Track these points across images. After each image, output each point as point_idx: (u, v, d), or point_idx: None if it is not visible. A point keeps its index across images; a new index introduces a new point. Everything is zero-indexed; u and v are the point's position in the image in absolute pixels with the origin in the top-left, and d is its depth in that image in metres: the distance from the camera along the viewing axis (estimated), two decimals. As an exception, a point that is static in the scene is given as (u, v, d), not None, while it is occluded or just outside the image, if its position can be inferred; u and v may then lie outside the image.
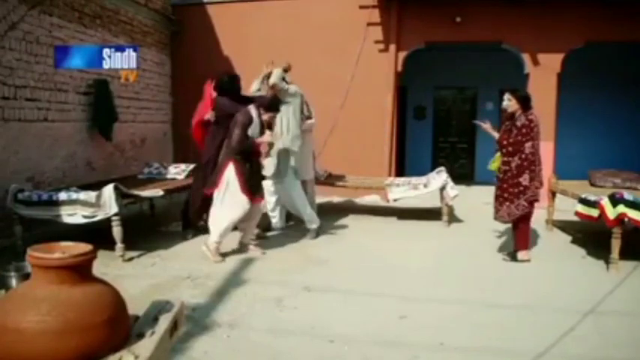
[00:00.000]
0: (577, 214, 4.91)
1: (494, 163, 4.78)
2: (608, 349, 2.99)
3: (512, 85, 5.44)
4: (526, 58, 7.62)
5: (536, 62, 7.57)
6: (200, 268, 4.39)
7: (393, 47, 7.88)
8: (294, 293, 3.81)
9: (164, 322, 1.45)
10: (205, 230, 5.61)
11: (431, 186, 6.30)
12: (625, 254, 4.46)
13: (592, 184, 5.91)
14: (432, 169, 7.32)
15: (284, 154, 5.43)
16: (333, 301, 3.71)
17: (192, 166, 6.50)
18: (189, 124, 5.79)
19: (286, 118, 5.35)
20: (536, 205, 4.78)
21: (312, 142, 6.13)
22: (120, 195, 4.57)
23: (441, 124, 11.20)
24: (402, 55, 7.92)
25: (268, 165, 5.34)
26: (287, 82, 5.48)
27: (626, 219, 4.32)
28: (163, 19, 8.43)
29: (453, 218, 6.48)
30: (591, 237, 5.40)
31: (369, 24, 7.98)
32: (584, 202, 4.81)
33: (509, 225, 4.92)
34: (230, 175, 4.61)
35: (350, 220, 6.54)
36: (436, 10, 7.72)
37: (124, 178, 6.04)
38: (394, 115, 8.05)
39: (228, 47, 8.55)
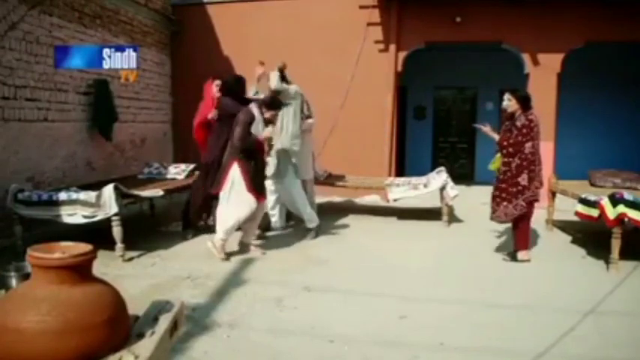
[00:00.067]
0: (577, 214, 4.91)
1: (495, 164, 4.79)
2: (608, 349, 2.99)
3: (512, 85, 5.44)
4: (526, 58, 7.62)
5: (536, 62, 7.57)
6: (200, 268, 4.39)
7: (393, 47, 7.88)
8: (294, 293, 3.81)
9: (164, 322, 1.45)
10: (205, 230, 5.64)
11: (431, 186, 6.30)
12: (625, 254, 4.46)
13: (592, 184, 5.91)
14: (432, 169, 7.32)
15: (284, 154, 5.44)
16: (333, 301, 3.71)
17: (192, 166, 6.51)
18: (189, 124, 5.80)
19: (286, 118, 5.36)
20: (536, 205, 4.78)
21: (311, 142, 6.13)
22: (120, 195, 4.57)
23: (441, 124, 11.20)
24: (402, 55, 7.92)
25: (269, 164, 5.35)
26: (287, 82, 5.48)
27: (626, 219, 4.32)
28: (163, 19, 8.44)
29: (453, 218, 6.48)
30: (591, 237, 5.40)
31: (369, 24, 7.98)
32: (584, 202, 4.81)
33: (509, 225, 4.92)
34: (235, 174, 4.63)
35: (350, 220, 6.54)
36: (436, 10, 7.72)
37: (124, 178, 6.04)
38: (394, 115, 8.05)
39: (228, 47, 8.55)
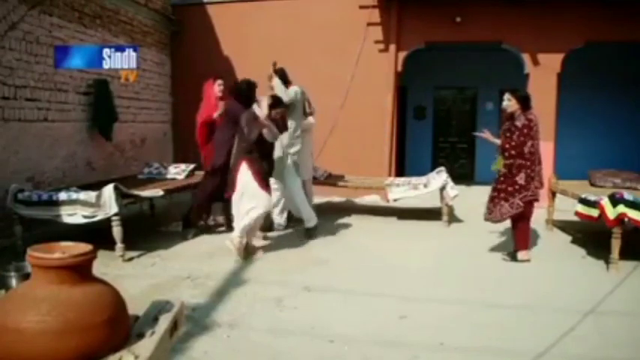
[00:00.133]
0: (577, 214, 4.91)
1: (497, 164, 4.78)
2: (608, 349, 2.99)
3: (512, 85, 5.44)
4: (526, 58, 7.62)
5: (536, 62, 7.57)
6: (200, 268, 4.39)
7: (393, 47, 7.88)
8: (294, 293, 3.81)
9: (164, 322, 1.45)
10: (205, 230, 5.65)
11: (431, 186, 6.30)
12: (625, 254, 4.46)
13: (592, 184, 5.91)
14: (432, 169, 7.32)
15: (284, 155, 5.44)
16: (333, 301, 3.71)
17: (192, 166, 6.51)
18: (189, 124, 5.81)
19: (289, 118, 5.36)
20: (536, 205, 4.78)
21: (311, 142, 6.13)
22: (120, 195, 4.57)
23: (441, 124, 11.20)
24: (402, 55, 7.92)
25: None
26: (288, 82, 5.50)
27: (626, 219, 4.32)
28: (163, 19, 8.44)
29: (453, 218, 6.48)
30: (591, 237, 5.40)
31: (369, 24, 7.98)
32: (584, 202, 4.81)
33: (509, 225, 4.92)
34: (245, 174, 4.67)
35: (350, 220, 6.54)
36: (436, 10, 7.72)
37: (124, 178, 6.04)
38: (394, 115, 8.05)
39: (228, 47, 8.55)
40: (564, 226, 6.04)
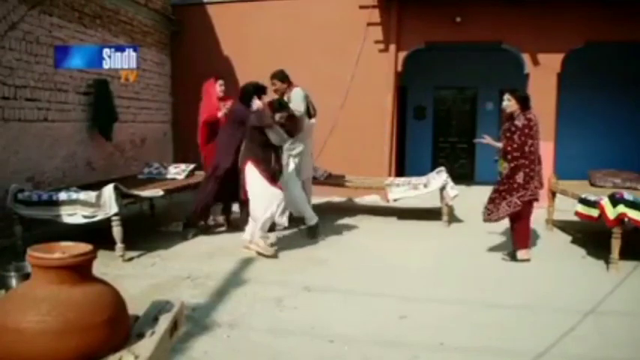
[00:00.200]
0: (577, 214, 4.91)
1: (501, 166, 4.77)
2: (608, 349, 2.99)
3: (512, 85, 5.44)
4: (526, 58, 7.62)
5: (536, 62, 7.57)
6: (200, 268, 4.39)
7: (393, 47, 7.88)
8: (294, 293, 3.81)
9: (164, 322, 1.45)
10: (205, 231, 5.64)
11: (431, 186, 6.30)
12: (625, 254, 4.46)
13: (592, 184, 5.91)
14: (432, 169, 7.32)
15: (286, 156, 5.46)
16: (333, 301, 3.71)
17: (192, 166, 6.51)
18: (189, 124, 5.82)
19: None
20: (536, 205, 4.78)
21: (311, 142, 6.13)
22: (120, 195, 4.57)
23: (441, 124, 11.20)
24: (402, 55, 7.92)
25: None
26: (288, 82, 5.55)
27: (626, 219, 4.32)
28: (163, 19, 8.44)
29: (453, 218, 6.49)
30: (591, 237, 5.40)
31: (369, 24, 7.98)
32: (584, 202, 4.81)
33: (509, 225, 4.92)
34: (253, 173, 4.72)
35: (350, 220, 6.53)
36: (436, 10, 7.72)
37: (124, 178, 6.04)
38: (394, 115, 8.05)
39: (228, 47, 8.55)
40: (564, 226, 6.04)
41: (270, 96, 5.46)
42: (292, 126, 5.02)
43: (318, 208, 6.18)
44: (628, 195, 4.42)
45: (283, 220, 5.83)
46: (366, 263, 4.69)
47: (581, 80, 9.38)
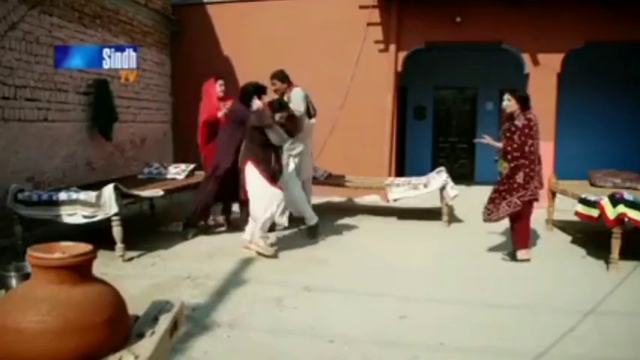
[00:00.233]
0: (577, 214, 4.91)
1: (501, 166, 4.77)
2: (608, 349, 2.99)
3: (512, 85, 5.44)
4: (526, 58, 7.62)
5: (536, 62, 7.57)
6: (200, 268, 4.39)
7: (393, 47, 7.88)
8: (294, 293, 3.81)
9: (164, 322, 1.45)
10: (205, 231, 5.64)
11: (431, 186, 6.30)
12: (625, 254, 4.46)
13: (592, 184, 5.91)
14: (432, 169, 7.32)
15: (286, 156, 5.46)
16: (333, 301, 3.71)
17: (192, 166, 6.51)
18: (189, 124, 5.82)
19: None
20: (536, 205, 4.78)
21: (311, 142, 6.13)
22: (120, 195, 4.57)
23: (441, 124, 11.20)
24: (402, 55, 7.92)
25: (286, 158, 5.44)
26: (288, 82, 5.54)
27: (626, 219, 4.32)
28: (163, 19, 8.44)
29: (453, 218, 6.49)
30: (591, 237, 5.40)
31: (369, 24, 7.97)
32: (584, 202, 4.81)
33: (509, 225, 4.92)
34: (252, 173, 4.73)
35: (350, 220, 6.53)
36: (436, 10, 7.72)
37: (124, 178, 6.04)
38: (394, 115, 8.05)
39: (228, 47, 8.55)
40: (564, 226, 6.04)
41: (270, 96, 5.46)
42: (292, 126, 5.02)
43: (318, 208, 6.18)
44: (628, 195, 4.42)
45: (283, 220, 5.83)
46: (366, 263, 4.69)
47: (581, 80, 9.38)
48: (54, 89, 5.88)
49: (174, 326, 1.48)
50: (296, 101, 5.42)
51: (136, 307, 1.56)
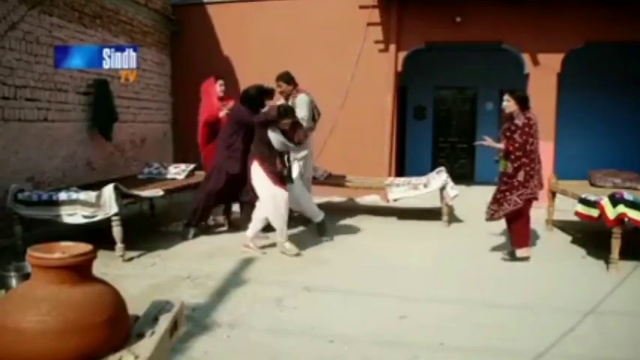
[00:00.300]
0: (577, 214, 4.91)
1: (503, 165, 4.77)
2: (608, 349, 2.99)
3: (512, 85, 5.46)
4: (526, 58, 7.62)
5: (536, 62, 7.57)
6: (200, 268, 4.39)
7: (393, 47, 7.88)
8: (294, 293, 3.81)
9: (164, 322, 1.45)
10: (205, 231, 5.64)
11: (431, 186, 6.30)
12: (625, 254, 4.46)
13: (592, 184, 5.91)
14: (432, 169, 7.32)
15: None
16: (333, 301, 3.71)
17: (192, 166, 6.51)
18: (189, 124, 5.82)
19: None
20: (536, 204, 4.78)
21: (312, 143, 6.14)
22: (120, 195, 4.57)
23: (441, 124, 11.20)
24: (402, 55, 7.92)
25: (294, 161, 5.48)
26: (294, 85, 5.58)
27: (626, 219, 4.32)
28: (163, 19, 8.44)
29: (453, 218, 6.48)
30: (591, 237, 5.40)
31: (369, 24, 7.97)
32: (584, 202, 4.81)
33: (506, 225, 4.92)
34: (258, 174, 4.78)
35: (350, 220, 6.53)
36: (436, 10, 7.72)
37: (124, 178, 6.04)
38: (394, 115, 8.05)
39: (228, 47, 8.55)
40: (564, 226, 6.03)
41: (276, 98, 5.49)
42: (295, 134, 5.03)
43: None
44: (628, 195, 4.42)
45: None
46: (366, 263, 4.69)
47: (581, 80, 9.37)
48: (54, 89, 5.88)
49: (174, 326, 1.49)
50: (301, 109, 5.42)
51: (136, 307, 1.56)
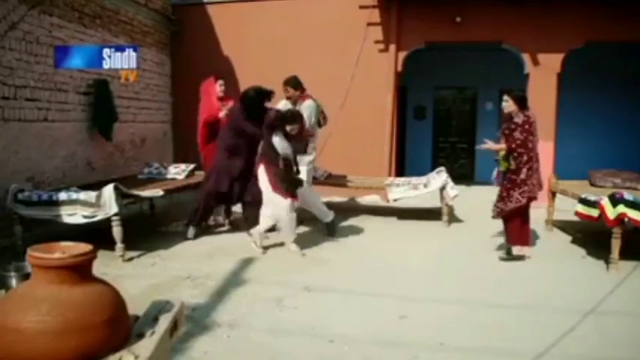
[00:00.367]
0: (577, 214, 4.91)
1: (503, 165, 4.77)
2: (608, 349, 2.99)
3: (512, 85, 5.47)
4: (526, 58, 7.62)
5: (536, 62, 7.57)
6: (200, 268, 4.39)
7: (393, 47, 7.88)
8: (294, 293, 3.81)
9: (164, 322, 1.45)
10: (206, 231, 5.64)
11: (431, 186, 6.30)
12: (625, 254, 4.46)
13: (592, 184, 5.91)
14: (432, 169, 7.32)
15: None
16: (333, 301, 3.71)
17: (192, 166, 6.51)
18: (189, 124, 5.81)
19: None
20: (536, 204, 4.78)
21: (317, 147, 6.17)
22: (120, 195, 4.57)
23: (441, 124, 11.20)
24: (402, 55, 7.92)
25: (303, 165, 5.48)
26: (302, 89, 5.58)
27: (626, 219, 4.32)
28: (163, 19, 8.44)
29: (453, 218, 6.48)
30: (591, 237, 5.40)
31: (369, 24, 7.97)
32: (584, 202, 4.82)
33: (503, 224, 4.93)
34: (264, 177, 4.85)
35: (350, 220, 6.53)
36: (436, 10, 7.72)
37: (124, 178, 6.04)
38: (394, 115, 8.05)
39: (228, 47, 8.55)
40: (564, 226, 6.03)
41: (277, 101, 5.49)
42: (298, 141, 5.04)
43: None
44: (628, 195, 4.42)
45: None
46: (366, 263, 4.69)
47: (581, 80, 9.37)
48: (54, 89, 5.88)
49: (174, 326, 1.49)
50: (308, 115, 5.41)
51: (136, 307, 1.56)
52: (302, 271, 4.40)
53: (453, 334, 3.13)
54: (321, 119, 5.80)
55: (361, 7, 7.93)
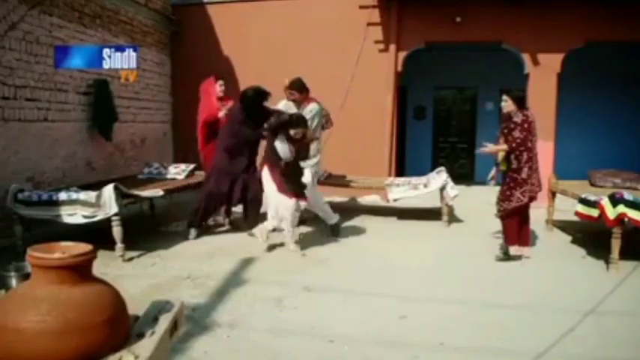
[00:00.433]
0: (577, 214, 4.91)
1: (502, 165, 4.77)
2: (608, 349, 2.99)
3: (512, 85, 5.47)
4: (526, 58, 7.62)
5: (536, 62, 7.57)
6: (200, 268, 4.39)
7: (393, 47, 7.88)
8: (294, 293, 3.81)
9: (164, 322, 1.45)
10: (206, 231, 5.64)
11: (431, 186, 6.30)
12: (625, 254, 4.46)
13: (592, 184, 5.91)
14: (432, 169, 7.32)
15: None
16: (333, 301, 3.71)
17: (192, 166, 6.51)
18: (189, 124, 5.81)
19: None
20: (536, 204, 4.78)
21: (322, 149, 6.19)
22: (120, 195, 4.57)
23: (441, 124, 11.20)
24: (402, 55, 7.92)
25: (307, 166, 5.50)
26: (306, 91, 5.56)
27: (626, 219, 4.32)
28: (163, 19, 8.44)
29: (453, 218, 6.48)
30: (591, 237, 5.40)
31: (369, 24, 7.97)
32: (584, 202, 4.82)
33: (501, 224, 4.93)
34: (267, 178, 4.87)
35: (350, 220, 6.53)
36: (436, 10, 7.72)
37: (124, 178, 6.04)
38: (394, 115, 8.05)
39: (228, 47, 8.55)
40: (564, 226, 6.03)
41: (274, 102, 5.48)
42: (300, 147, 5.04)
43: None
44: (628, 195, 4.42)
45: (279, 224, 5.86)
46: (366, 263, 4.69)
47: (581, 80, 9.37)
48: (54, 89, 5.88)
49: (174, 326, 1.49)
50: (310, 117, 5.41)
51: (136, 307, 1.56)
52: (302, 271, 4.40)
53: (453, 334, 3.13)
54: (324, 123, 5.80)
55: (361, 7, 7.93)
